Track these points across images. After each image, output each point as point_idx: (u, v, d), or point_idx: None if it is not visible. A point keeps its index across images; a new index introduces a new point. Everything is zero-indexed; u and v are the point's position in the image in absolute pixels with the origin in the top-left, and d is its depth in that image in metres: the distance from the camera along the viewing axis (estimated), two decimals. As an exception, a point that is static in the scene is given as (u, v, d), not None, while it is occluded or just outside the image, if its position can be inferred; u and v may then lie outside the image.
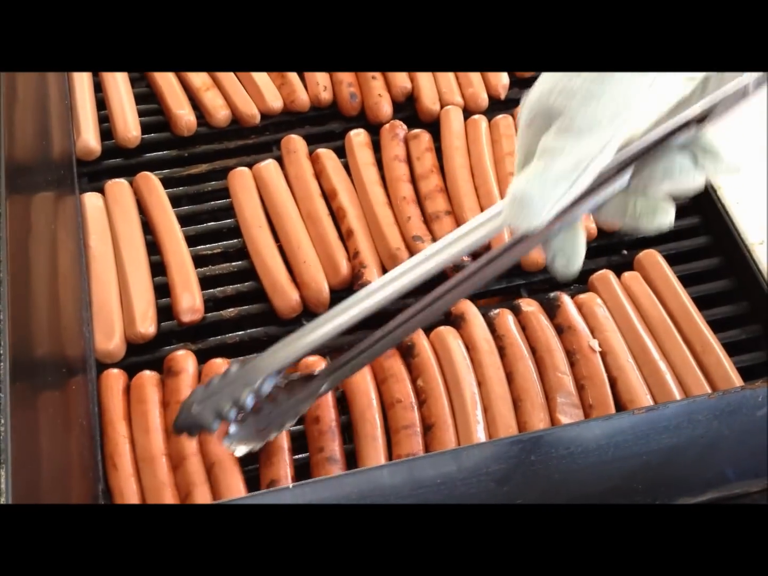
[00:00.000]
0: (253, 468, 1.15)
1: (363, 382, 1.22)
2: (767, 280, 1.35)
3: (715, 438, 0.94)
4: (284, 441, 1.13)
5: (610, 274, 1.35)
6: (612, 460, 0.91)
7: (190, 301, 1.29)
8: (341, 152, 1.53)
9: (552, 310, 1.32)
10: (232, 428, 1.08)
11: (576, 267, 0.93)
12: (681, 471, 1.01)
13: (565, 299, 1.32)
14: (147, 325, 1.25)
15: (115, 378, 1.20)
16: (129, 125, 1.51)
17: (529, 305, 1.32)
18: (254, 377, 1.05)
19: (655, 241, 1.40)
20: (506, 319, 1.30)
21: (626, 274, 1.36)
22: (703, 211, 1.46)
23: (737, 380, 1.21)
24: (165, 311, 1.31)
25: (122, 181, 1.43)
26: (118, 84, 1.56)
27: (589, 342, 1.27)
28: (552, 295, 1.33)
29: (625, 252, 1.43)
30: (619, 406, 1.21)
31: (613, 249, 1.43)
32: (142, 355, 1.27)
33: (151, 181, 1.43)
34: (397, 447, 1.17)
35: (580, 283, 1.39)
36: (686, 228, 1.44)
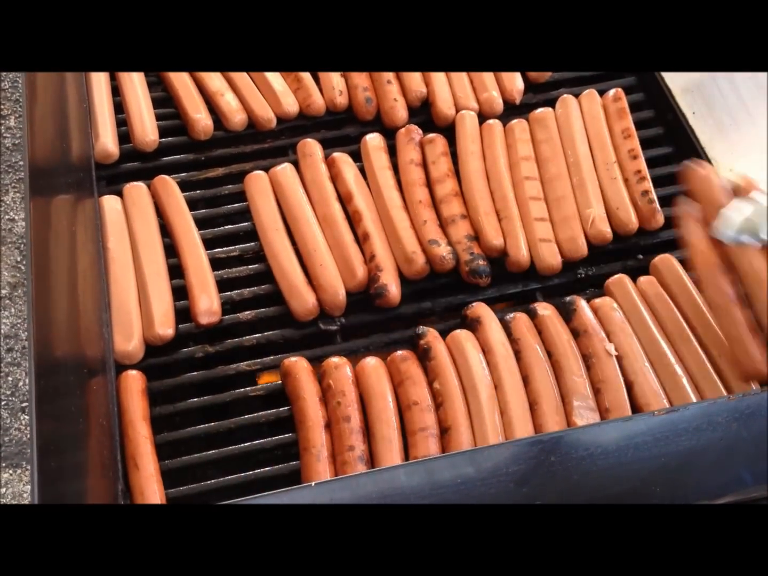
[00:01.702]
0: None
1: (379, 385, 1.22)
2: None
3: (733, 441, 0.94)
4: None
5: (625, 279, 1.36)
6: (631, 461, 0.91)
7: (207, 304, 1.30)
8: (357, 156, 1.53)
9: (568, 314, 1.32)
10: None
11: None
12: (699, 473, 1.01)
13: (581, 303, 1.32)
14: (165, 327, 1.26)
15: (133, 379, 1.21)
16: (147, 129, 1.51)
17: (545, 309, 1.33)
18: None
19: (671, 246, 1.40)
20: (522, 322, 1.31)
21: (642, 279, 1.36)
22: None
23: (753, 384, 1.21)
24: (183, 313, 1.32)
25: (140, 184, 1.44)
26: (136, 88, 1.57)
27: (605, 346, 1.27)
28: (568, 299, 1.34)
29: (640, 257, 1.43)
30: (636, 410, 1.21)
31: (628, 253, 1.43)
32: (160, 356, 1.28)
33: (168, 185, 1.44)
34: (414, 449, 1.18)
35: (596, 287, 1.39)
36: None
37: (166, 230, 1.41)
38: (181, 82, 1.59)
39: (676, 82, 1.63)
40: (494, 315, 1.32)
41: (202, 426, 1.22)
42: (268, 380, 1.31)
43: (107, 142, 1.49)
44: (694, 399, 1.18)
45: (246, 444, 1.21)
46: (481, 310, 1.33)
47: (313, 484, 0.89)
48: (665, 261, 1.37)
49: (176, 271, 1.36)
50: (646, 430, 0.90)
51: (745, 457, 1.04)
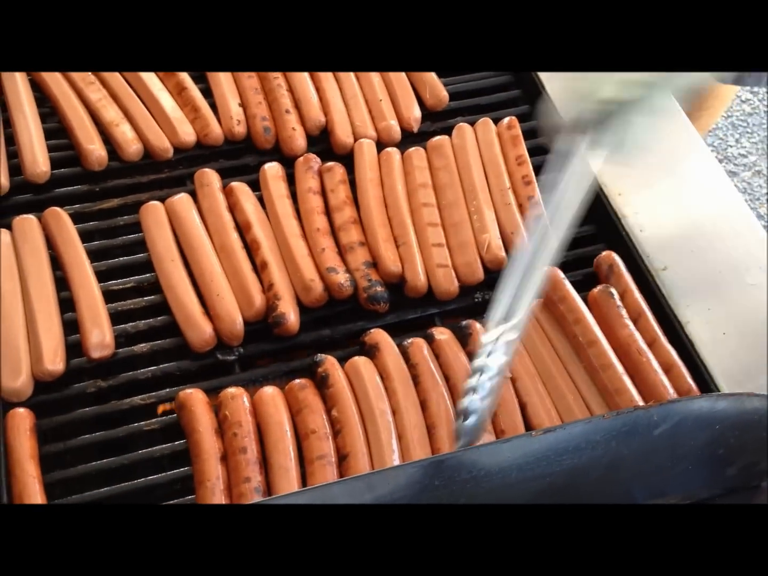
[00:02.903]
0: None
1: (276, 414, 1.22)
2: (670, 305, 1.40)
3: (615, 458, 0.97)
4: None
5: (518, 302, 1.38)
6: (516, 482, 0.92)
7: (99, 337, 1.27)
8: (256, 186, 1.53)
9: (464, 338, 1.34)
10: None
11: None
12: (587, 492, 1.03)
13: (477, 327, 1.35)
14: (55, 363, 1.24)
15: (21, 417, 1.17)
16: (38, 160, 1.49)
17: (442, 334, 1.34)
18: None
19: (564, 266, 1.44)
20: (420, 347, 1.32)
21: (535, 302, 1.38)
22: (609, 238, 1.51)
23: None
24: (76, 348, 1.29)
25: (30, 217, 1.41)
26: (27, 119, 1.54)
27: (500, 368, 1.29)
28: (464, 323, 1.36)
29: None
30: (529, 430, 1.24)
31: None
32: (50, 393, 1.25)
33: (60, 217, 1.42)
34: (312, 477, 1.17)
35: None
36: (591, 255, 1.48)
37: (57, 263, 1.38)
38: (74, 112, 1.56)
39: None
40: (392, 341, 1.33)
41: (94, 463, 1.19)
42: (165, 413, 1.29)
43: (-4, 174, 1.46)
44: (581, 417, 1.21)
45: (141, 480, 1.18)
46: (379, 336, 1.34)
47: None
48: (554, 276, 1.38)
49: (68, 304, 1.33)
50: (528, 451, 0.91)
51: (631, 474, 1.07)
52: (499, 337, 1.07)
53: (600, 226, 1.54)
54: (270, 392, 1.25)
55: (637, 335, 1.32)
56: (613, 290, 1.37)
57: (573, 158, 1.12)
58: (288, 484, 1.15)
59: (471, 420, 1.04)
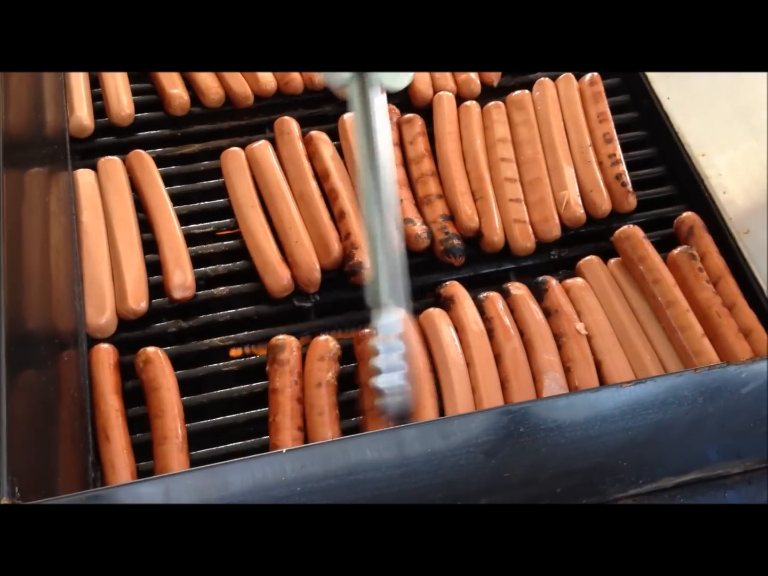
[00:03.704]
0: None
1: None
2: (752, 269, 1.37)
3: (699, 415, 0.96)
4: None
5: (596, 260, 1.37)
6: (598, 434, 0.92)
7: (181, 278, 1.29)
8: (334, 135, 1.53)
9: (540, 293, 1.33)
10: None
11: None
12: (665, 449, 1.02)
13: (553, 283, 1.34)
14: (138, 301, 1.26)
15: (105, 352, 1.21)
16: (122, 103, 1.51)
17: (517, 289, 1.34)
18: None
19: (643, 227, 1.41)
20: (495, 302, 1.32)
21: (613, 261, 1.37)
22: (690, 200, 1.48)
23: (721, 364, 1.23)
24: (156, 289, 1.31)
25: (115, 159, 1.43)
26: (112, 63, 1.56)
27: (576, 325, 1.28)
28: (540, 279, 1.35)
29: (612, 240, 1.44)
30: (605, 387, 1.23)
31: (601, 236, 1.44)
32: (132, 331, 1.28)
33: (144, 159, 1.44)
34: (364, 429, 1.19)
35: (569, 269, 1.41)
36: (671, 216, 1.45)
37: (140, 205, 1.40)
38: (157, 57, 1.58)
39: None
40: (467, 294, 1.33)
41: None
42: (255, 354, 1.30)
43: (82, 115, 1.48)
44: (661, 377, 1.20)
45: (218, 418, 1.21)
46: (454, 289, 1.34)
47: (284, 450, 0.89)
48: (632, 236, 1.36)
49: (150, 246, 1.35)
50: (614, 403, 0.91)
51: (711, 433, 1.05)
52: (388, 318, 1.03)
53: (681, 187, 1.51)
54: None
55: (717, 298, 1.30)
56: (694, 252, 1.35)
57: (361, 105, 1.11)
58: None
59: (396, 398, 1.00)
